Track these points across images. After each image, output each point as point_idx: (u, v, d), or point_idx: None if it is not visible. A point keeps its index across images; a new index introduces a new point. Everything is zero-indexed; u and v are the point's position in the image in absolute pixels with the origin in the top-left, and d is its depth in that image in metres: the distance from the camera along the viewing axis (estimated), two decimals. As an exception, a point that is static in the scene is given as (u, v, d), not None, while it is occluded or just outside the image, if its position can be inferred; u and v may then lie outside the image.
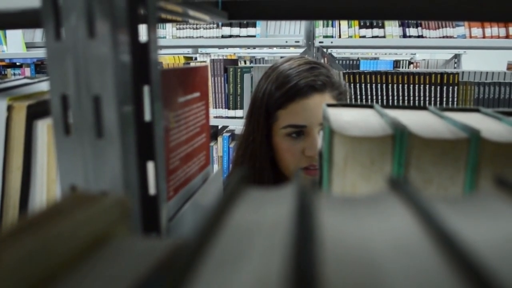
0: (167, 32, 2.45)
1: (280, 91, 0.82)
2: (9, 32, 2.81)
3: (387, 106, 0.43)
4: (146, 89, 0.33)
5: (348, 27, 2.13)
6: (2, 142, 0.47)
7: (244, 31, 2.32)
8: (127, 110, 0.30)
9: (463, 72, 2.02)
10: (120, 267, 0.14)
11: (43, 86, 0.58)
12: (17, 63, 3.32)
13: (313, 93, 0.81)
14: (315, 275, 0.09)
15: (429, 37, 2.10)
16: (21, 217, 0.13)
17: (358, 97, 1.95)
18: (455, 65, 3.39)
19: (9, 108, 0.47)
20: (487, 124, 0.41)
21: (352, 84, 1.94)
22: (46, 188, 0.49)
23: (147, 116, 0.33)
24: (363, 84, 1.93)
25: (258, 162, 0.85)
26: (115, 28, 0.29)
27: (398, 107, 0.44)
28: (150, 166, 0.34)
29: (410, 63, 4.12)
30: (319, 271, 0.10)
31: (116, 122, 0.29)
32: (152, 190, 0.34)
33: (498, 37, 2.02)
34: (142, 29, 0.32)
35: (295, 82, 0.81)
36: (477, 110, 0.47)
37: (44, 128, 0.47)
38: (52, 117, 0.30)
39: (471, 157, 0.31)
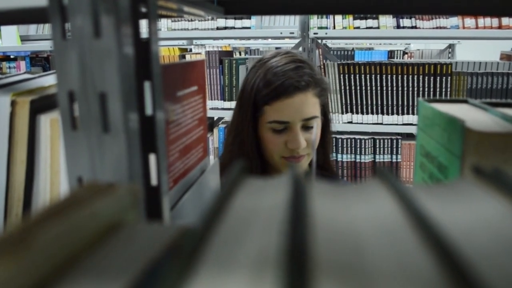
0: (162, 24, 2.45)
1: (267, 89, 0.88)
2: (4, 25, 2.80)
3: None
4: (147, 84, 0.34)
5: (343, 18, 2.14)
6: (6, 136, 0.49)
7: (239, 23, 2.33)
8: (131, 104, 0.32)
9: (456, 63, 2.04)
10: (136, 248, 0.15)
11: (44, 81, 0.59)
12: (12, 56, 3.30)
13: (297, 92, 0.88)
14: (306, 248, 0.11)
15: (423, 28, 2.12)
16: (48, 205, 0.15)
17: (353, 88, 1.97)
18: (449, 55, 3.41)
19: (13, 103, 0.48)
20: (474, 115, 0.42)
21: (347, 75, 1.96)
22: (50, 181, 0.50)
23: (149, 110, 0.34)
24: (357, 75, 1.95)
25: (246, 150, 0.93)
26: (119, 26, 0.30)
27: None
28: (152, 158, 0.35)
29: (404, 53, 4.13)
30: (310, 246, 0.12)
31: (121, 117, 0.30)
32: (154, 181, 0.36)
33: (491, 27, 2.03)
34: (143, 25, 0.33)
35: (281, 82, 0.87)
36: (465, 101, 0.49)
37: (47, 122, 0.49)
38: (59, 113, 0.31)
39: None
